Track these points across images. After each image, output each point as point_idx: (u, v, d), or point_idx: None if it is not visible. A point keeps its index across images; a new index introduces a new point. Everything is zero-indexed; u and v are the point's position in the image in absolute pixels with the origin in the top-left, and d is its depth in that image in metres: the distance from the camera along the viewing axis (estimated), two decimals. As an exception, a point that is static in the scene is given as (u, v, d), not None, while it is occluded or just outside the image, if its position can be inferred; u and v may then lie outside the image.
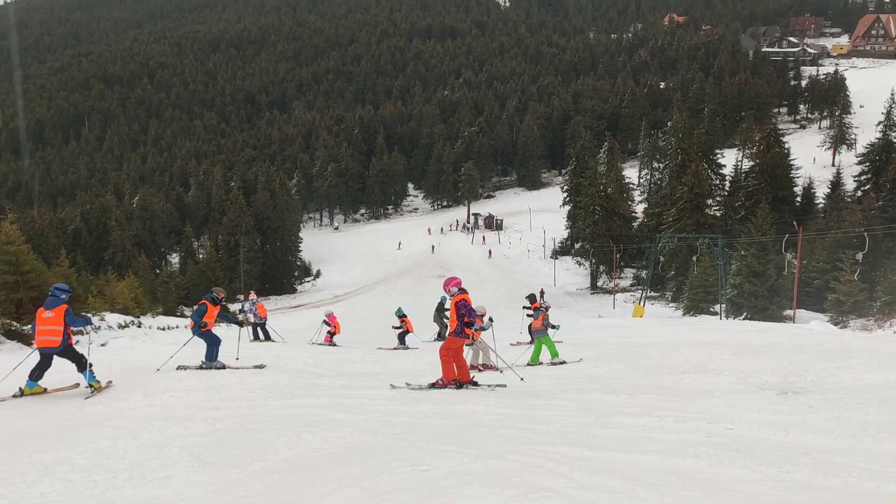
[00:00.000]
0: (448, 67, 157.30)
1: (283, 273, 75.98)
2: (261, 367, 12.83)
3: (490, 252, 73.30)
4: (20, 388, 9.96)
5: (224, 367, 12.78)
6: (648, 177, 79.03)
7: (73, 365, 10.28)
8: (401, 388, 10.15)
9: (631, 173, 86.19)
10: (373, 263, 76.39)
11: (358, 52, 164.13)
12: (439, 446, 6.29)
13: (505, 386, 10.53)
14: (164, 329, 30.43)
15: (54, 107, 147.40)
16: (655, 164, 75.31)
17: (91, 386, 10.03)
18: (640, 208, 67.94)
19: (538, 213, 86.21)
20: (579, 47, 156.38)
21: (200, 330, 13.06)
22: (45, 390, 10.02)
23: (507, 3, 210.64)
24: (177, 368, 12.26)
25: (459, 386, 10.03)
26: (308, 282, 76.38)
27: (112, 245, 68.19)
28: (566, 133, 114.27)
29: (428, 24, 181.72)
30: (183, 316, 44.27)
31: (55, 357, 10.02)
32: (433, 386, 10.07)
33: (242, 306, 60.34)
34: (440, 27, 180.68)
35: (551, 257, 70.45)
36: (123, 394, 9.52)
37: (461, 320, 9.94)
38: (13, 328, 18.70)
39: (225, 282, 65.55)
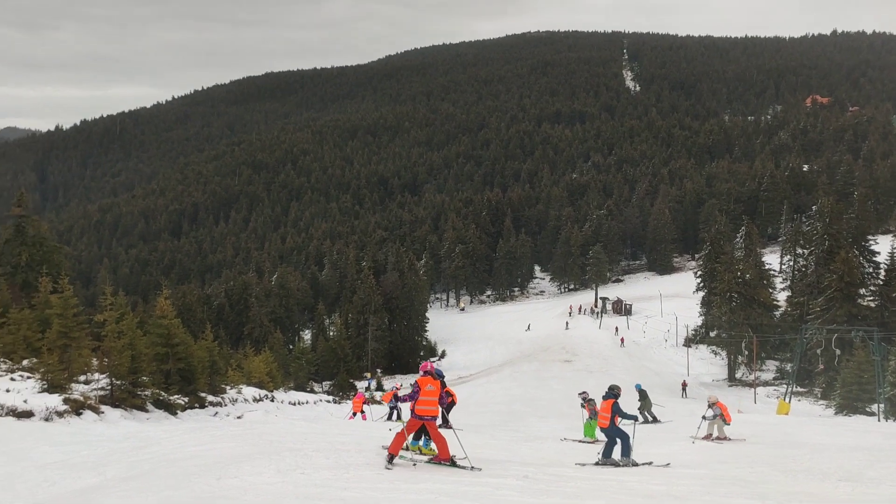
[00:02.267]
0: (576, 151, 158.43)
1: (408, 352, 77.00)
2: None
3: (622, 340, 70.82)
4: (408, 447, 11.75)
5: (635, 464, 12.35)
6: (791, 263, 74.87)
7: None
8: (528, 478, 9.91)
9: (771, 259, 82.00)
10: (497, 345, 76.02)
11: (487, 137, 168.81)
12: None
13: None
14: (294, 404, 31.45)
15: (208, 191, 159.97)
16: (799, 251, 71.44)
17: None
18: (782, 296, 64.15)
19: (669, 299, 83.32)
20: (713, 129, 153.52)
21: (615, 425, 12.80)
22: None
23: (638, 88, 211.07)
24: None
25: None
26: (433, 361, 76.91)
27: (251, 320, 71.94)
28: (699, 217, 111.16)
29: (557, 109, 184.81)
30: (313, 391, 45.59)
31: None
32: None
33: (368, 384, 61.56)
34: (569, 112, 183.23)
35: (684, 345, 67.49)
36: (258, 468, 9.85)
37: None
38: (161, 398, 19.88)
39: (353, 359, 67.24)
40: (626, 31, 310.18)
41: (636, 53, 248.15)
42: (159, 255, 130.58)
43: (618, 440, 12.88)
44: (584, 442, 19.25)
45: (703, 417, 19.52)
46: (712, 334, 62.46)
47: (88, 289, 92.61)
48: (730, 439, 18.74)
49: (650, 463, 12.79)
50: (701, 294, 70.26)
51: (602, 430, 13.18)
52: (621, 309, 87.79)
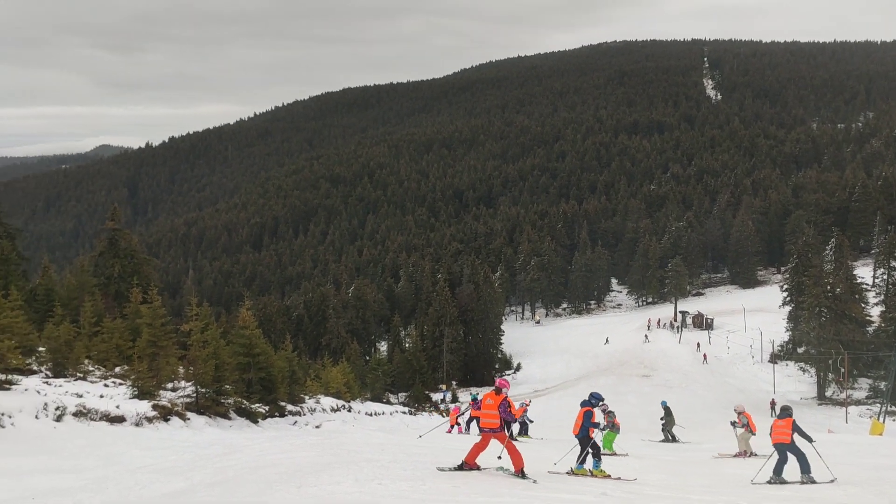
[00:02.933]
0: (655, 162, 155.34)
1: (484, 364, 76.83)
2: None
3: (705, 356, 68.49)
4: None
5: (813, 481, 12.50)
6: (885, 277, 71.19)
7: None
8: (606, 496, 9.72)
9: (864, 273, 78.22)
10: (573, 359, 75.01)
11: (563, 149, 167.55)
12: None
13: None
14: (371, 415, 31.81)
15: (288, 204, 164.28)
16: (893, 263, 67.89)
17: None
18: (875, 311, 61.01)
19: (753, 313, 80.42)
20: (800, 138, 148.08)
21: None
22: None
23: (719, 96, 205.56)
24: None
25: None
26: (508, 374, 76.51)
27: (329, 331, 73.29)
28: (785, 228, 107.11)
29: (634, 120, 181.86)
30: (389, 402, 46.01)
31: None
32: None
33: (444, 396, 61.70)
34: (647, 122, 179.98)
35: (769, 361, 64.93)
36: (337, 478, 10.00)
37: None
38: (243, 406, 20.46)
39: (428, 371, 67.57)
40: (707, 39, 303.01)
41: (717, 61, 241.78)
42: (241, 267, 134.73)
43: (793, 456, 13.01)
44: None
45: (732, 424, 19.50)
46: (800, 350, 59.91)
47: (175, 299, 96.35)
48: (756, 454, 18.45)
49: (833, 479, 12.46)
50: (787, 308, 67.57)
51: (781, 446, 13.12)
52: (702, 323, 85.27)
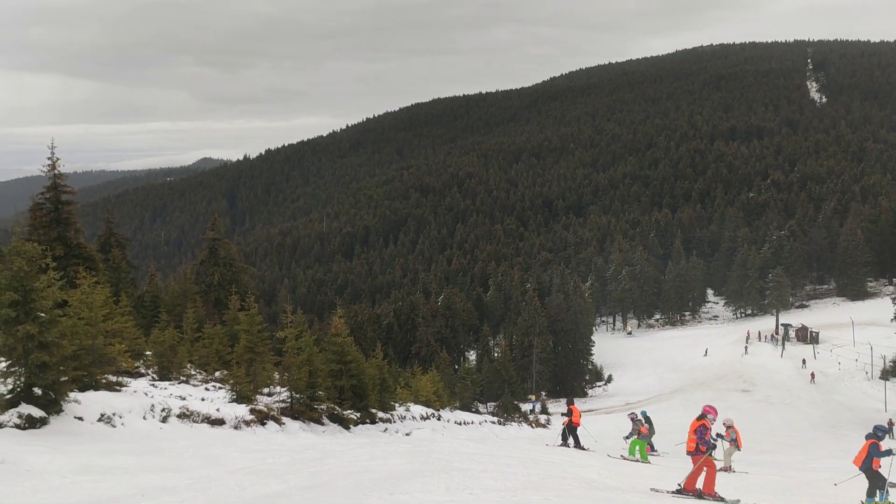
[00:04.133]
0: (754, 169, 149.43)
1: (574, 375, 75.79)
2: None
3: (812, 376, 64.74)
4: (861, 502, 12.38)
5: None
6: None
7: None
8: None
9: None
10: (667, 372, 72.91)
11: (656, 156, 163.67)
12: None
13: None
14: (460, 423, 31.83)
15: (378, 214, 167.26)
16: None
17: None
18: None
19: (863, 327, 75.98)
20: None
21: None
22: None
23: (824, 99, 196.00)
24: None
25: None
26: (599, 386, 75.17)
27: (418, 340, 74.00)
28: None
29: (731, 126, 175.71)
30: (478, 412, 45.95)
31: None
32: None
33: (534, 407, 61.14)
34: (745, 128, 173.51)
35: (881, 378, 61.21)
36: (428, 486, 10.04)
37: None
38: (335, 412, 20.88)
39: (517, 381, 67.15)
40: (811, 40, 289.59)
41: (822, 63, 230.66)
42: (333, 275, 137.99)
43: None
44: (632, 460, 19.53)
45: (719, 436, 18.65)
46: (915, 367, 56.23)
47: (270, 307, 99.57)
48: (735, 471, 18.56)
49: None
50: (901, 322, 63.66)
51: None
52: (806, 337, 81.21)
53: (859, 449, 12.55)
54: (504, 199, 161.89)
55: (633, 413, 21.86)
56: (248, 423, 16.03)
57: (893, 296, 71.28)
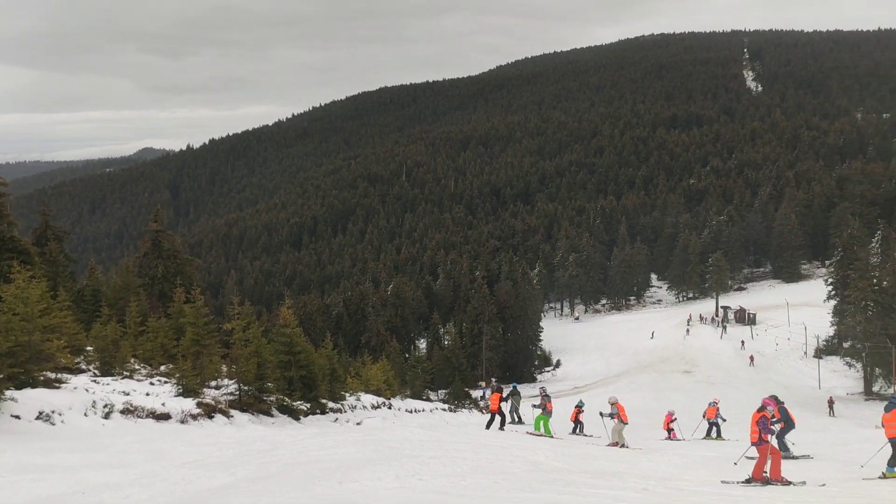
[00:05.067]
0: (694, 156, 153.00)
1: (523, 362, 76.67)
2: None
3: (752, 359, 66.39)
4: (882, 473, 12.82)
5: None
6: (935, 269, 69.23)
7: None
8: (647, 491, 9.65)
9: (912, 265, 76.10)
10: (613, 356, 74.42)
11: (601, 144, 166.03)
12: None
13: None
14: (411, 412, 31.96)
15: (326, 204, 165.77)
16: (943, 255, 65.84)
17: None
18: (925, 305, 59.39)
19: (797, 308, 78.83)
20: (844, 129, 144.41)
21: None
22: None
23: (760, 88, 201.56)
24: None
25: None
26: (548, 371, 76.22)
27: (368, 329, 73.80)
28: (830, 221, 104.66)
29: (673, 114, 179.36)
30: (428, 400, 46.16)
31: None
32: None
33: (484, 393, 61.67)
34: (685, 116, 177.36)
35: (814, 357, 63.65)
36: (378, 473, 10.10)
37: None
38: (285, 403, 20.75)
39: (467, 368, 67.62)
40: (747, 30, 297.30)
41: (758, 52, 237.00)
42: (281, 266, 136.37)
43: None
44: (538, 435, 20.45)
45: (601, 414, 20.76)
46: (846, 345, 58.56)
47: (217, 299, 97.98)
48: (627, 446, 19.30)
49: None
50: (833, 303, 66.08)
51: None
52: (744, 318, 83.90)
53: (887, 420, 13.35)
54: (452, 187, 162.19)
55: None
56: (194, 417, 15.82)
57: (825, 277, 73.87)
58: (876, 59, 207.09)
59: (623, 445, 19.65)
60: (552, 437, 20.61)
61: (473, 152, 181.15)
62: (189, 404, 16.48)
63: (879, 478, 12.91)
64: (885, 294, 53.27)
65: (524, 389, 65.78)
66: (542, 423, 21.62)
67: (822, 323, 67.01)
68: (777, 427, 17.60)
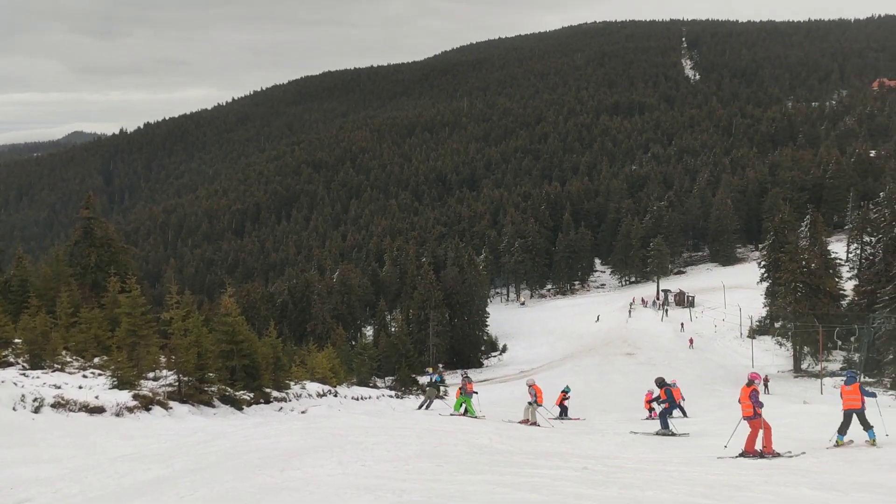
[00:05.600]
0: (636, 142, 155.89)
1: (470, 347, 77.13)
2: None
3: (691, 341, 67.87)
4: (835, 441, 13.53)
5: None
6: (858, 252, 72.25)
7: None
8: (587, 470, 9.82)
9: (837, 248, 79.27)
10: (559, 340, 75.48)
11: (545, 131, 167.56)
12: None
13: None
14: (357, 399, 31.85)
15: (270, 190, 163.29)
16: (866, 238, 68.85)
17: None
18: (849, 285, 61.94)
19: (733, 290, 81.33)
20: (776, 117, 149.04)
21: None
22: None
23: (698, 77, 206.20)
24: None
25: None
26: (494, 356, 76.88)
27: (313, 317, 73.12)
28: (763, 206, 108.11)
29: (615, 101, 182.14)
30: (375, 387, 46.08)
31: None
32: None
33: (431, 378, 61.87)
34: (627, 103, 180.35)
35: (748, 336, 65.80)
36: (320, 461, 10.03)
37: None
38: (227, 393, 20.39)
39: (414, 355, 67.68)
40: (685, 19, 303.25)
41: (695, 41, 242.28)
42: (223, 254, 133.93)
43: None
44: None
45: (529, 403, 21.51)
46: (777, 325, 60.76)
47: (156, 288, 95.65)
48: (539, 425, 20.42)
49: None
50: (765, 285, 68.44)
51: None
52: (683, 301, 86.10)
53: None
54: (398, 173, 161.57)
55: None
56: (131, 410, 15.41)
57: (759, 261, 76.41)
58: (805, 49, 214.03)
59: (534, 423, 20.69)
60: (475, 416, 21.24)
61: (419, 138, 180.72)
62: (125, 397, 16.04)
63: (832, 447, 13.67)
64: (813, 276, 55.34)
65: (472, 375, 66.22)
66: (463, 403, 22.07)
67: (755, 304, 69.34)
68: (661, 406, 18.41)
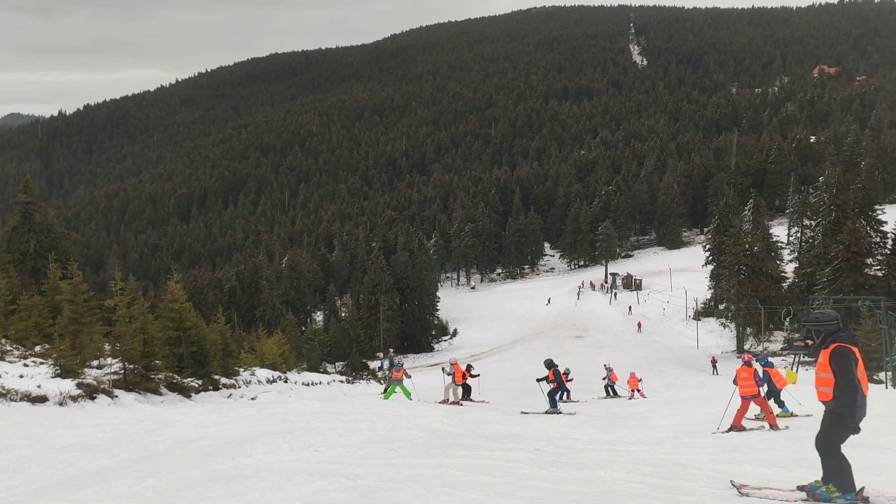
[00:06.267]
0: (584, 127, 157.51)
1: (420, 332, 77.31)
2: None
3: (639, 325, 69.01)
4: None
5: None
6: (799, 235, 74.61)
7: None
8: (539, 451, 9.97)
9: (779, 231, 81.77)
10: (509, 323, 76.17)
11: (495, 115, 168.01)
12: (578, 515, 6.11)
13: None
14: (308, 384, 31.68)
15: (216, 174, 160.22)
16: (806, 222, 71.13)
17: None
18: (789, 268, 64.01)
19: (679, 273, 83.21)
20: (721, 103, 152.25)
21: None
22: None
23: (645, 62, 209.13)
24: None
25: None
26: (445, 340, 77.22)
27: (263, 303, 72.27)
28: (708, 190, 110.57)
29: (564, 86, 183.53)
30: (326, 372, 45.89)
31: None
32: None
33: (381, 364, 61.85)
34: (576, 88, 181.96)
35: (693, 318, 67.52)
36: (272, 447, 9.96)
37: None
38: (174, 381, 20.05)
39: (365, 340, 67.53)
40: (633, 5, 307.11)
41: (643, 27, 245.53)
42: (169, 239, 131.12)
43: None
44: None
45: (443, 370, 22.84)
46: (721, 307, 62.44)
47: (98, 275, 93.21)
48: (461, 404, 21.39)
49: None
50: (710, 267, 70.15)
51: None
52: (631, 284, 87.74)
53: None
54: (348, 158, 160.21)
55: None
56: (75, 399, 15.02)
57: (704, 244, 78.33)
58: (749, 36, 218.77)
59: (453, 402, 21.45)
60: (409, 398, 22.35)
61: (368, 122, 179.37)
62: (68, 385, 15.62)
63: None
64: (755, 259, 57.03)
65: (420, 359, 66.60)
66: (393, 390, 23.24)
67: (700, 287, 71.08)
68: (550, 386, 19.38)
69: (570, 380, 27.56)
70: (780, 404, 16.04)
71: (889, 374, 36.39)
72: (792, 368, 43.39)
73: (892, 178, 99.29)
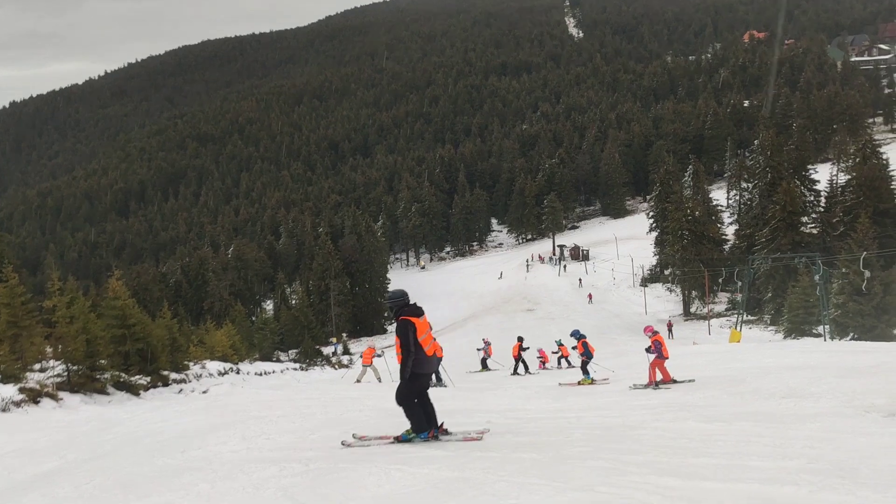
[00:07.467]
0: (525, 102, 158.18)
1: (372, 314, 77.23)
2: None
3: (590, 297, 68.90)
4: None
5: None
6: (738, 198, 76.71)
7: None
8: (491, 423, 10.14)
9: (719, 195, 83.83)
10: (460, 301, 76.62)
11: (435, 94, 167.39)
12: (527, 480, 6.25)
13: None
14: (261, 374, 31.43)
15: (154, 167, 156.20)
16: (744, 185, 73.12)
17: None
18: (730, 230, 65.84)
19: (624, 242, 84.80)
20: (657, 72, 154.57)
21: None
22: None
23: (581, 34, 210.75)
24: None
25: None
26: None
27: (210, 295, 71.17)
28: (649, 159, 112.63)
29: (503, 62, 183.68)
30: (279, 361, 45.53)
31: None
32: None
33: (335, 349, 61.64)
34: (515, 63, 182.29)
35: (641, 285, 68.99)
36: (223, 438, 9.90)
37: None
38: (121, 380, 19.68)
39: (317, 326, 67.15)
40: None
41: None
42: (108, 236, 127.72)
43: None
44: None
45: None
46: (666, 272, 63.92)
47: (36, 276, 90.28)
48: (368, 381, 23.04)
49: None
50: (654, 234, 71.55)
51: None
52: (579, 255, 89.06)
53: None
54: (289, 143, 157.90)
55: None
56: (17, 404, 14.63)
57: (647, 212, 79.87)
58: (680, 4, 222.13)
59: (358, 381, 23.23)
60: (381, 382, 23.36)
61: (308, 106, 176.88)
62: (10, 391, 15.19)
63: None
64: (697, 223, 58.49)
65: (374, 342, 66.44)
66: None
67: (646, 254, 72.55)
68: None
69: (526, 349, 27.95)
70: (586, 372, 18.90)
71: (826, 327, 37.92)
72: (736, 328, 44.85)
73: (822, 138, 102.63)
